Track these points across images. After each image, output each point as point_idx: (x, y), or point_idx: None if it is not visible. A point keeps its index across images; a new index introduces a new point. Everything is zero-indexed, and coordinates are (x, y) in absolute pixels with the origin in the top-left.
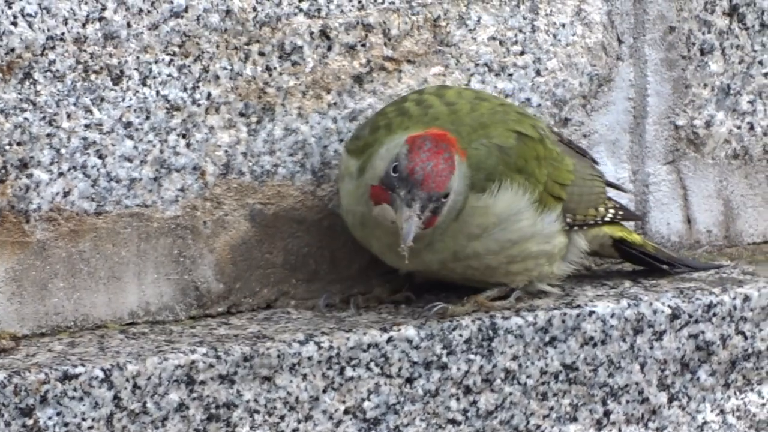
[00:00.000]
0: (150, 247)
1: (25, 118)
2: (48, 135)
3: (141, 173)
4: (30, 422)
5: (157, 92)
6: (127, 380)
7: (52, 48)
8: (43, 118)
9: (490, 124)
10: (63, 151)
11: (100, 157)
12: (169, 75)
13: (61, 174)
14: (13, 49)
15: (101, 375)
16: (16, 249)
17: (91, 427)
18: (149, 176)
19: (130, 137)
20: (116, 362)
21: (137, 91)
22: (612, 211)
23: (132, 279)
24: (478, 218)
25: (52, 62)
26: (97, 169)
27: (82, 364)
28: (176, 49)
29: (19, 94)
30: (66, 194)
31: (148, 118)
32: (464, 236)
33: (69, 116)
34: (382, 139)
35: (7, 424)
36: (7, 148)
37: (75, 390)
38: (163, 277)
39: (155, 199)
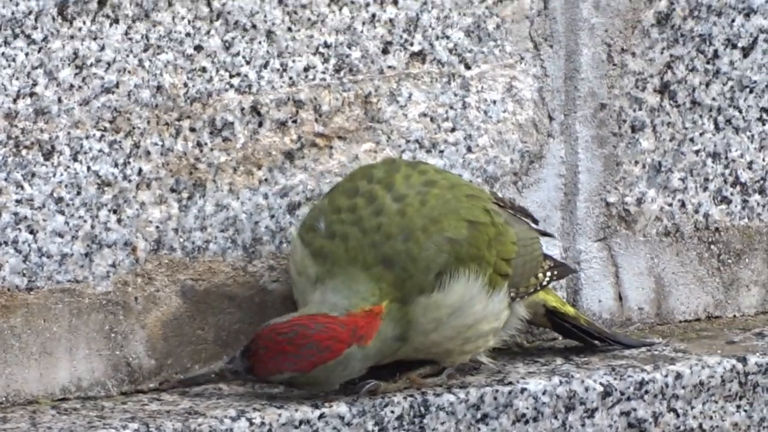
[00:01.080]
0: (81, 323)
1: None
2: None
3: (72, 249)
4: None
5: (88, 168)
6: None
7: None
8: None
9: (442, 218)
10: None
11: (31, 232)
12: (100, 150)
13: None
14: None
15: None
16: None
17: None
18: (80, 252)
19: (62, 213)
20: None
21: (68, 167)
22: (549, 273)
23: (64, 355)
24: (430, 314)
25: None
26: (29, 245)
27: None
28: (107, 125)
29: None
30: None
31: (79, 193)
32: (421, 333)
33: (0, 191)
34: (324, 278)
35: None
36: None
37: None
38: (95, 352)
39: (87, 275)
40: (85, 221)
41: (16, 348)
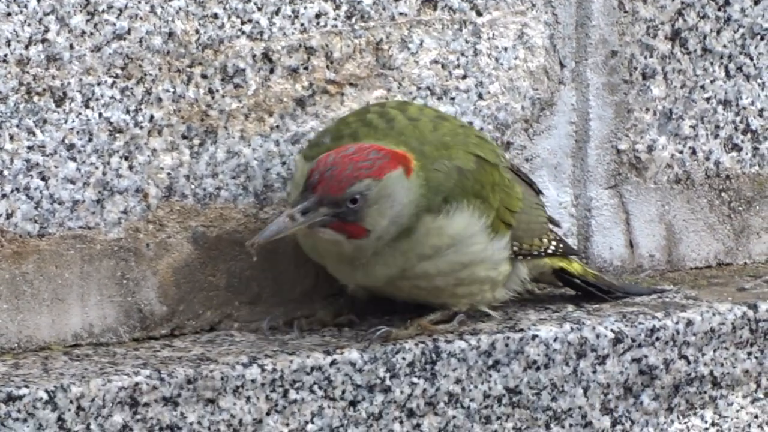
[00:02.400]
0: (93, 269)
1: None
2: None
3: (84, 195)
4: None
5: (100, 114)
6: (71, 402)
7: None
8: None
9: (452, 146)
10: (6, 172)
11: (43, 179)
12: (112, 97)
13: (3, 195)
14: None
15: (45, 396)
16: None
17: None
18: (92, 198)
19: (73, 159)
20: (60, 384)
21: (80, 113)
22: (554, 243)
23: (75, 301)
24: (432, 239)
25: None
26: (40, 191)
27: (26, 386)
28: (119, 72)
29: None
30: (9, 216)
31: (90, 140)
32: (416, 255)
33: (12, 138)
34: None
35: None
36: None
37: (19, 411)
38: (107, 299)
39: (98, 221)
40: (96, 168)
41: (28, 294)
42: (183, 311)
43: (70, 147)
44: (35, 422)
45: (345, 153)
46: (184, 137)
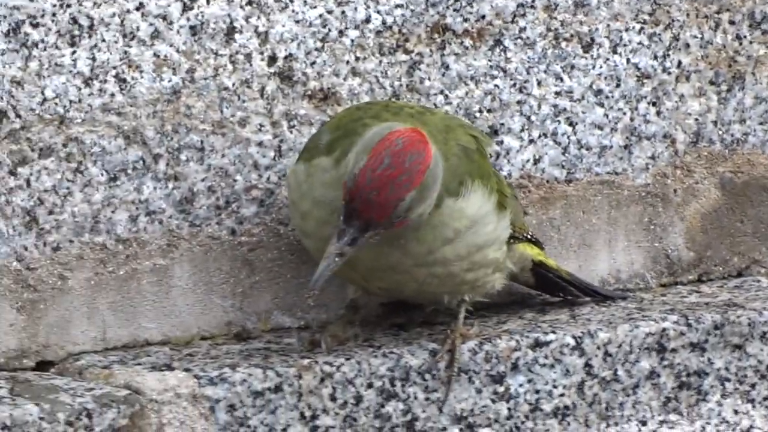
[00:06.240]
0: (620, 215)
1: (495, 85)
2: (518, 102)
3: (611, 141)
4: (501, 389)
5: (628, 60)
6: (598, 348)
7: (523, 15)
8: (513, 85)
9: (454, 127)
10: (533, 118)
11: (570, 124)
12: (639, 43)
13: (531, 141)
14: (483, 16)
15: (572, 342)
16: None
17: (562, 395)
18: (619, 144)
19: (600, 105)
20: (587, 329)
21: (607, 59)
22: (530, 230)
23: (603, 246)
24: (455, 222)
25: (522, 29)
26: (567, 137)
27: (553, 332)
28: (646, 17)
29: (489, 60)
30: (536, 161)
31: (618, 86)
32: (439, 240)
33: (539, 83)
34: (361, 130)
35: (478, 391)
36: (478, 114)
37: (546, 357)
38: (634, 244)
39: (625, 167)
40: (624, 113)
41: (555, 240)
42: (710, 257)
43: (598, 92)
44: (562, 368)
45: (382, 169)
46: (711, 83)
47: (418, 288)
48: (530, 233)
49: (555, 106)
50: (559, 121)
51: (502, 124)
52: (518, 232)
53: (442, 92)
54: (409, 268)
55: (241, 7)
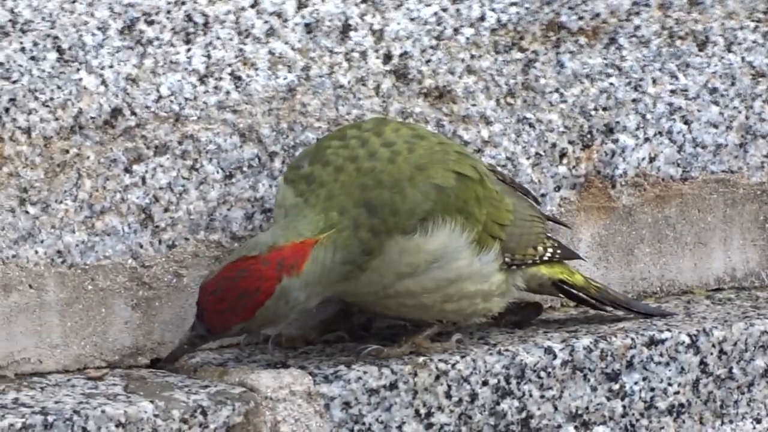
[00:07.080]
0: (735, 213)
1: (611, 83)
2: (633, 100)
3: (726, 139)
4: (616, 387)
5: (742, 58)
6: (713, 346)
7: (637, 13)
8: (629, 83)
9: (429, 166)
10: (648, 116)
11: (685, 122)
12: (754, 41)
13: (646, 139)
14: (598, 14)
15: (687, 340)
16: (602, 214)
17: (677, 392)
18: (734, 142)
19: (716, 103)
20: (702, 328)
21: (722, 57)
22: (551, 250)
23: (718, 245)
24: (407, 257)
25: (637, 27)
26: (683, 135)
27: (669, 330)
28: (761, 16)
29: (605, 59)
30: (652, 159)
31: (733, 84)
32: (393, 274)
33: (654, 81)
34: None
35: (593, 389)
36: (593, 113)
37: (661, 355)
38: (749, 243)
39: (740, 165)
40: (739, 112)
41: (671, 238)
42: None
43: (713, 91)
44: (677, 366)
45: (215, 295)
46: None
47: (397, 316)
48: (549, 253)
49: (670, 104)
50: (674, 119)
51: (618, 122)
52: (527, 257)
53: (557, 90)
54: (378, 300)
55: (356, 5)
